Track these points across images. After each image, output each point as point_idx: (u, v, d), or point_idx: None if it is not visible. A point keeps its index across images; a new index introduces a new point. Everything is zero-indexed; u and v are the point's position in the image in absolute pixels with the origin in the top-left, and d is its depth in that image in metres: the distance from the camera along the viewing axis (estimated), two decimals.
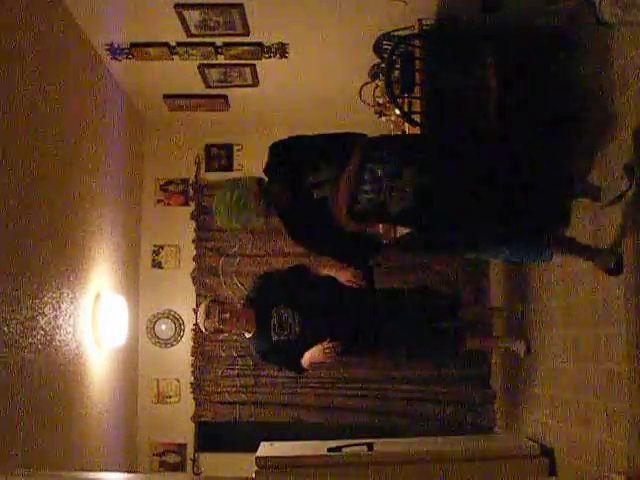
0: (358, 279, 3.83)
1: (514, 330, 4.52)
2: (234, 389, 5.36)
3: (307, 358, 3.79)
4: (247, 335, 3.91)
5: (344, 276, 3.83)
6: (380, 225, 3.95)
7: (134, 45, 4.37)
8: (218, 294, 5.37)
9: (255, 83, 4.93)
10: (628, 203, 2.98)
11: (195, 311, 5.32)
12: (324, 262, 3.97)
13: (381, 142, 2.98)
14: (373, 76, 4.26)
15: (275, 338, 3.77)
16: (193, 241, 5.56)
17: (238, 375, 5.36)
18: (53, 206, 3.76)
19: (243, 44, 4.39)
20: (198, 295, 5.48)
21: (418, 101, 3.77)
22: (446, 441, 4.44)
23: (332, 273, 3.89)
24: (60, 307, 3.78)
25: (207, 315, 3.69)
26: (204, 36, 4.26)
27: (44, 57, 3.66)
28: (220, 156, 5.70)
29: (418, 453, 4.01)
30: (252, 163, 5.61)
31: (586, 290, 3.42)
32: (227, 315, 3.69)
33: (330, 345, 3.71)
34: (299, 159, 2.93)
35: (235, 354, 5.38)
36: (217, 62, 4.61)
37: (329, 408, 5.28)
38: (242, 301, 4.15)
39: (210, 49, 4.41)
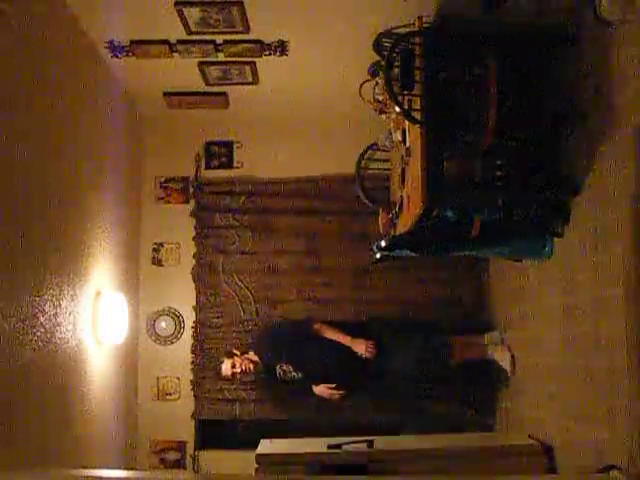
0: (374, 350, 4.55)
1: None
2: (234, 386, 5.36)
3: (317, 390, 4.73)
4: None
5: (359, 348, 4.55)
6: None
7: (134, 43, 4.37)
8: (218, 290, 5.41)
9: (255, 81, 4.93)
10: None
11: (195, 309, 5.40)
12: (326, 328, 4.69)
13: None
14: (373, 74, 4.25)
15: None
16: (193, 238, 5.55)
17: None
18: (53, 204, 3.76)
19: (243, 42, 4.39)
20: (198, 292, 5.49)
21: (418, 98, 3.76)
22: (446, 438, 4.45)
23: (343, 341, 4.58)
24: (60, 304, 3.78)
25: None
26: (204, 34, 4.26)
27: (43, 55, 3.65)
28: (220, 154, 5.69)
29: (418, 450, 4.02)
30: (252, 161, 5.64)
31: (586, 288, 3.42)
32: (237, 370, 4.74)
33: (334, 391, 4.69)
34: None
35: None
36: (217, 60, 4.60)
37: (329, 406, 5.27)
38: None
39: (210, 47, 4.40)
